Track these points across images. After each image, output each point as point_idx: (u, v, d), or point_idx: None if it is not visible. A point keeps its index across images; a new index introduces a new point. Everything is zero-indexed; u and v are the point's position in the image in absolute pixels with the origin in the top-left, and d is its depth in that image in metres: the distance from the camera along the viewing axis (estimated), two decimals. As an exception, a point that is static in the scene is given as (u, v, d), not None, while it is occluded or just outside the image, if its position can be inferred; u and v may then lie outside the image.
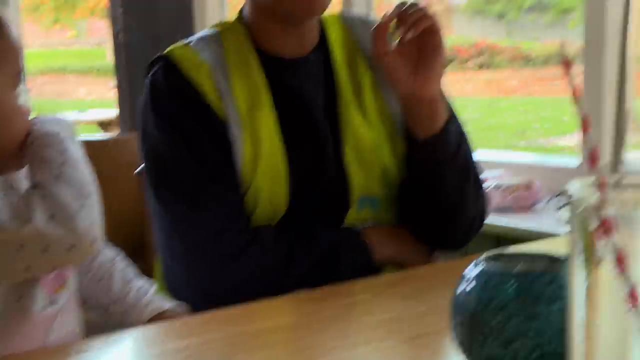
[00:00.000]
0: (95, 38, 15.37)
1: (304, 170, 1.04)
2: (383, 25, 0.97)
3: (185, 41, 1.07)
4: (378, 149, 1.07)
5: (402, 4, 0.98)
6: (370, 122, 1.08)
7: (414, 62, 0.98)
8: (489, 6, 13.17)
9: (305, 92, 1.06)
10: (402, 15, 0.96)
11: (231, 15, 2.42)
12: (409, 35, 0.95)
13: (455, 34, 13.28)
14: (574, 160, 1.79)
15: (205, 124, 1.01)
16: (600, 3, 1.48)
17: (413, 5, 0.97)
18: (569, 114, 8.96)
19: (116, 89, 2.38)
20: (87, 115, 7.41)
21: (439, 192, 1.03)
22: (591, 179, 0.43)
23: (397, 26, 0.96)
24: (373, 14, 2.03)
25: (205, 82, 1.01)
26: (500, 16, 13.32)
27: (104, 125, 7.17)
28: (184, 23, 2.35)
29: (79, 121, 7.33)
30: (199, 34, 1.09)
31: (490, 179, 1.76)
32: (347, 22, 1.13)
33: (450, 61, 11.53)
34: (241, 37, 1.06)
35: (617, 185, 0.44)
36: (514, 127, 8.55)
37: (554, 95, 10.38)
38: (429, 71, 0.98)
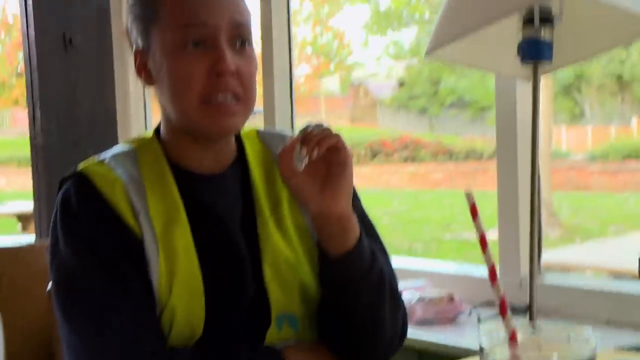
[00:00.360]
0: (18, 127, 15.10)
1: (221, 289, 1.02)
2: (288, 148, 0.99)
3: (99, 157, 1.06)
4: (297, 266, 1.07)
5: (307, 126, 1.00)
6: (288, 239, 1.08)
7: (322, 180, 1.00)
8: (412, 101, 13.72)
9: (222, 209, 1.06)
10: (307, 136, 0.98)
11: (155, 118, 2.42)
12: (314, 154, 0.96)
13: (381, 127, 13.72)
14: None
15: (119, 241, 0.99)
16: (511, 103, 1.55)
17: (318, 125, 0.99)
18: (490, 208, 9.23)
19: (32, 196, 2.32)
20: (5, 208, 7.18)
21: (353, 310, 1.02)
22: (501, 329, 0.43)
23: (302, 147, 0.97)
24: (292, 131, 2.07)
25: (120, 199, 1.00)
26: (423, 111, 13.89)
27: (23, 219, 6.95)
28: (107, 127, 2.34)
29: (-4, 214, 7.12)
30: (114, 149, 1.08)
31: (410, 290, 1.77)
32: (265, 138, 1.15)
33: (377, 154, 11.83)
34: (157, 154, 1.06)
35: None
36: (440, 220, 8.75)
37: (476, 189, 10.70)
38: (336, 188, 0.99)
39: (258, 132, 1.16)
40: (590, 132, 12.18)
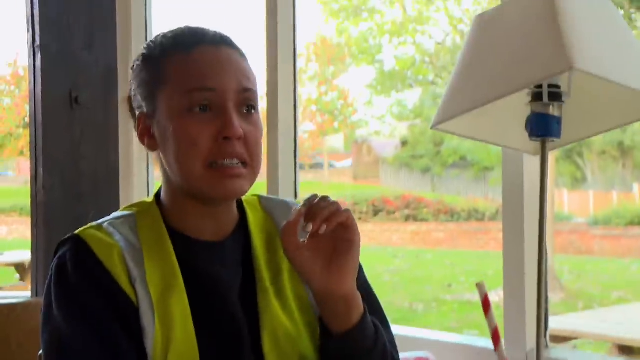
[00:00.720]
0: (23, 176, 15.18)
1: (218, 359, 0.99)
2: (293, 222, 0.96)
3: (98, 222, 1.04)
4: (297, 338, 1.04)
5: (313, 197, 0.98)
6: (289, 310, 1.05)
7: (327, 256, 0.97)
8: (414, 160, 13.80)
9: (221, 277, 1.04)
10: (314, 210, 0.96)
11: (158, 174, 2.42)
12: (323, 229, 0.94)
13: (383, 184, 13.76)
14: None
15: (113, 309, 0.96)
16: (518, 167, 1.51)
17: (324, 198, 0.97)
18: (493, 269, 9.19)
19: (30, 252, 2.29)
20: (3, 258, 7.15)
21: None
22: None
23: (307, 222, 0.95)
24: (296, 196, 2.06)
25: (116, 265, 0.98)
26: (426, 170, 13.95)
27: (21, 268, 6.91)
28: (109, 184, 2.33)
29: (-5, 263, 7.08)
30: (113, 215, 1.06)
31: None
32: (267, 206, 1.13)
33: (379, 211, 11.83)
34: (156, 219, 1.04)
35: None
36: (441, 280, 8.67)
37: (478, 249, 10.68)
38: (343, 266, 0.97)
39: (260, 199, 1.14)
40: (592, 197, 12.19)
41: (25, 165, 15.07)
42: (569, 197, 12.35)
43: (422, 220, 11.88)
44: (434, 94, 12.69)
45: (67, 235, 1.02)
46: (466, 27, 12.91)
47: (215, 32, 1.06)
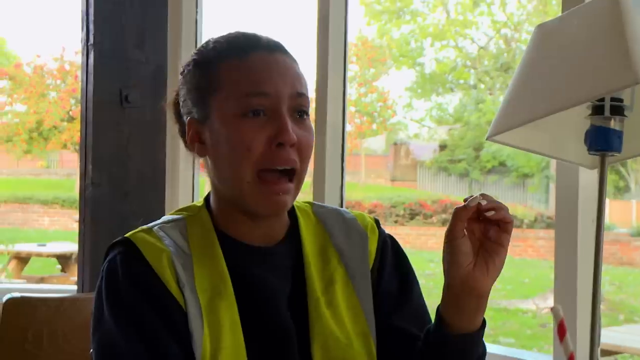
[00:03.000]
0: (65, 169, 15.46)
1: None
2: (468, 209, 0.95)
3: (148, 225, 1.05)
4: (348, 347, 1.03)
5: (482, 195, 0.97)
6: (340, 319, 1.04)
7: (475, 254, 0.97)
8: (452, 165, 13.68)
9: (270, 284, 1.03)
10: (489, 199, 0.96)
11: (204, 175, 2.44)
12: (491, 213, 0.94)
13: (420, 188, 13.67)
14: (548, 358, 1.73)
15: (163, 313, 0.97)
16: (573, 175, 1.47)
17: (494, 200, 0.97)
18: (530, 277, 9.06)
19: (78, 248, 2.33)
20: (46, 249, 7.29)
21: None
22: None
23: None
24: (342, 199, 2.06)
25: (166, 271, 0.98)
26: (463, 175, 13.81)
27: (62, 259, 7.03)
28: (155, 183, 2.35)
29: (38, 254, 7.23)
30: (163, 218, 1.07)
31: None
32: (320, 213, 1.12)
33: (415, 215, 11.75)
34: (206, 224, 1.04)
35: None
36: (477, 287, 8.56)
37: (515, 257, 10.53)
38: (490, 265, 0.96)
39: (313, 206, 1.13)
40: (634, 207, 11.92)
41: (67, 157, 15.36)
42: (611, 206, 12.10)
43: (459, 225, 11.75)
44: (475, 99, 12.56)
45: (118, 239, 1.02)
46: (509, 32, 12.77)
47: (269, 38, 1.05)
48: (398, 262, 1.12)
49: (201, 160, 1.07)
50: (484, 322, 0.99)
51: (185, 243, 1.01)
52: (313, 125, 1.07)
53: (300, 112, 1.01)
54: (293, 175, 1.00)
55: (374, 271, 1.09)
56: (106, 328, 0.97)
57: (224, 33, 1.08)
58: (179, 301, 0.97)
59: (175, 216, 1.06)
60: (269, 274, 1.03)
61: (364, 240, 1.09)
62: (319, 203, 1.15)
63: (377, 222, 1.13)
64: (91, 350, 1.17)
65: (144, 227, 1.04)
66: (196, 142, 1.04)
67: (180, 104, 1.07)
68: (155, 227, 1.03)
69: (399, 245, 1.14)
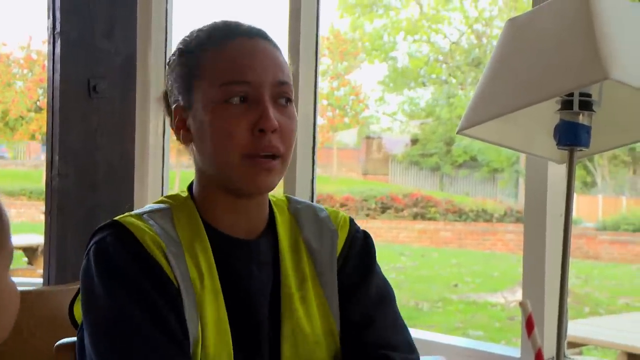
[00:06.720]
0: (32, 160, 15.22)
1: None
2: None
3: (136, 212, 1.03)
4: (316, 346, 1.03)
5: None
6: (311, 317, 1.04)
7: None
8: (424, 159, 13.75)
9: (254, 279, 1.03)
10: None
11: (173, 166, 2.40)
12: None
13: (392, 182, 13.72)
14: (516, 351, 1.75)
15: (159, 286, 0.95)
16: (542, 170, 1.48)
17: None
18: (499, 271, 9.15)
19: (44, 240, 2.29)
20: (12, 241, 7.15)
21: None
22: None
23: None
24: (312, 191, 2.05)
25: (159, 255, 0.96)
26: (435, 169, 13.90)
27: (29, 252, 6.92)
28: (124, 173, 2.32)
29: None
30: (148, 207, 1.05)
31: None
32: (294, 209, 1.12)
33: (387, 209, 11.80)
34: (193, 215, 1.03)
35: None
36: (447, 280, 8.64)
37: (485, 250, 10.64)
38: None
39: (289, 201, 1.13)
40: (601, 202, 12.12)
41: (34, 148, 15.12)
42: (579, 201, 12.28)
43: (430, 219, 11.85)
44: (447, 93, 12.64)
45: (105, 222, 1.00)
46: (481, 27, 12.86)
47: (251, 25, 1.05)
48: (363, 258, 1.11)
49: (187, 147, 1.05)
50: None
51: (174, 232, 1.00)
52: None
53: (283, 99, 1.01)
54: (278, 157, 1.00)
55: (339, 262, 1.09)
56: (100, 304, 0.95)
57: (208, 22, 1.07)
58: (174, 282, 0.96)
59: (160, 205, 1.05)
60: (253, 268, 1.03)
61: (333, 238, 1.09)
62: (296, 198, 1.15)
63: (351, 220, 1.13)
64: (57, 341, 1.15)
65: (131, 212, 1.03)
66: (181, 129, 1.04)
67: (168, 94, 1.06)
68: (144, 215, 1.01)
69: (371, 244, 1.13)
